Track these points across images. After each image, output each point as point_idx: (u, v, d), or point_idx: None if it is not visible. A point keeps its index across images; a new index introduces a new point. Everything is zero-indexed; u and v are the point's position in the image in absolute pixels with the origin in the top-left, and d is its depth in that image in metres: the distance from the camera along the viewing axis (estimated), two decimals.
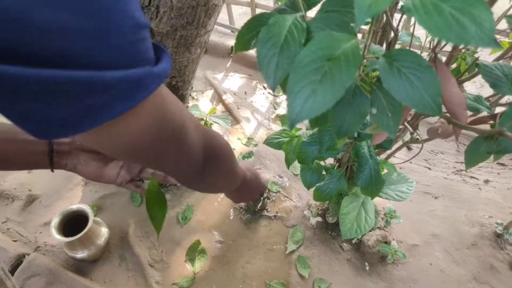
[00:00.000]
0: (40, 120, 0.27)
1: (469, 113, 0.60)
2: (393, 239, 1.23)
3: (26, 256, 1.19)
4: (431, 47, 1.02)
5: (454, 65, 0.76)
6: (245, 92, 1.96)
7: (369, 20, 0.69)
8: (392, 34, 0.81)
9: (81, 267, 1.21)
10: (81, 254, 1.16)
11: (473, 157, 0.56)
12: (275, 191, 1.40)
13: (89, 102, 0.27)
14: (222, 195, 1.42)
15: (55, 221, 1.12)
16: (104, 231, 1.22)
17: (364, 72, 0.47)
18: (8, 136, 0.54)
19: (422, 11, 0.32)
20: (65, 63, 0.25)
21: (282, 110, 1.83)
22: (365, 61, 0.46)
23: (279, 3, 0.68)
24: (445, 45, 0.70)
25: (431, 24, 0.32)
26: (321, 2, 0.53)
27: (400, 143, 1.01)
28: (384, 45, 0.81)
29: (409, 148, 1.61)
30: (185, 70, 1.15)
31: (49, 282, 1.11)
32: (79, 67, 0.26)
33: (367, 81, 0.49)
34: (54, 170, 0.59)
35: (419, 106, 0.40)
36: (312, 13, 0.53)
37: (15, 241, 1.27)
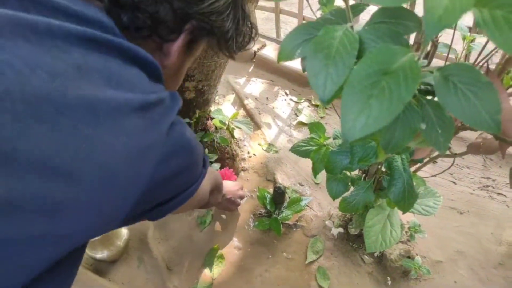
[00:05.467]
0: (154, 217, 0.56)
1: None
2: (417, 254, 1.20)
3: None
4: (466, 60, 1.00)
5: None
6: (267, 97, 1.95)
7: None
8: (430, 45, 0.79)
9: (100, 267, 1.22)
10: (100, 254, 1.17)
11: None
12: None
13: (176, 204, 0.57)
14: (243, 202, 1.42)
15: None
16: (124, 233, 1.22)
17: None
18: None
19: (493, 26, 0.31)
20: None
21: (304, 117, 1.82)
22: None
23: (321, 12, 0.67)
24: (491, 55, 0.68)
25: (502, 40, 0.30)
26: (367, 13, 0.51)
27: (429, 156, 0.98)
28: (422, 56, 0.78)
29: (434, 162, 1.57)
30: (212, 75, 1.15)
31: None
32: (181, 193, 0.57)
33: (416, 95, 0.47)
34: None
35: (476, 124, 0.38)
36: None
37: None
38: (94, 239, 1.08)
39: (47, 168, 0.32)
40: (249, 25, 0.61)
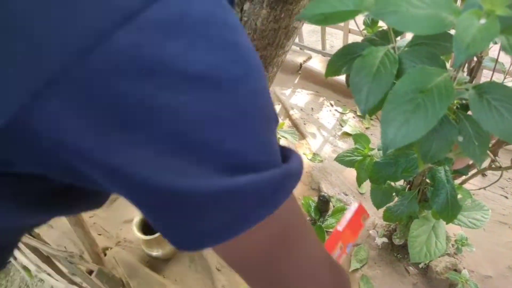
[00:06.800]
0: (181, 233, 0.26)
1: None
2: (464, 268, 1.18)
3: (109, 249, 1.32)
4: None
5: None
6: (312, 108, 2.00)
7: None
8: (475, 59, 0.81)
9: (155, 264, 1.32)
10: (156, 252, 1.27)
11: None
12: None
13: (229, 213, 0.24)
14: None
15: (136, 220, 1.23)
16: None
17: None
18: None
19: None
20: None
21: (349, 127, 1.84)
22: None
23: (366, 32, 0.72)
24: None
25: None
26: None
27: (476, 168, 0.98)
28: (466, 70, 0.81)
29: (483, 175, 1.53)
30: None
31: (129, 275, 1.23)
32: (233, 172, 0.23)
33: (452, 109, 0.51)
34: None
35: (509, 137, 0.41)
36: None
37: (100, 234, 1.41)
38: (150, 237, 1.18)
39: None
40: None
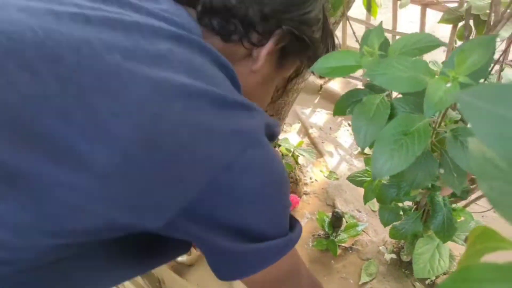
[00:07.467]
0: (226, 270, 0.51)
1: None
2: None
3: None
4: None
5: None
6: (330, 127, 2.10)
7: None
8: None
9: (179, 269, 1.44)
10: (181, 258, 1.39)
11: None
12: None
13: (253, 261, 0.49)
14: (303, 223, 1.57)
15: None
16: None
17: (436, 139, 0.60)
18: None
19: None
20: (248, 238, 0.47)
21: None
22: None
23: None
24: None
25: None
26: None
27: (480, 192, 1.06)
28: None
29: None
30: (282, 111, 1.34)
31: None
32: (262, 240, 0.47)
33: (438, 146, 0.61)
34: None
35: (477, 173, 0.51)
36: None
37: None
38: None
39: (111, 137, 0.36)
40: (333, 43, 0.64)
